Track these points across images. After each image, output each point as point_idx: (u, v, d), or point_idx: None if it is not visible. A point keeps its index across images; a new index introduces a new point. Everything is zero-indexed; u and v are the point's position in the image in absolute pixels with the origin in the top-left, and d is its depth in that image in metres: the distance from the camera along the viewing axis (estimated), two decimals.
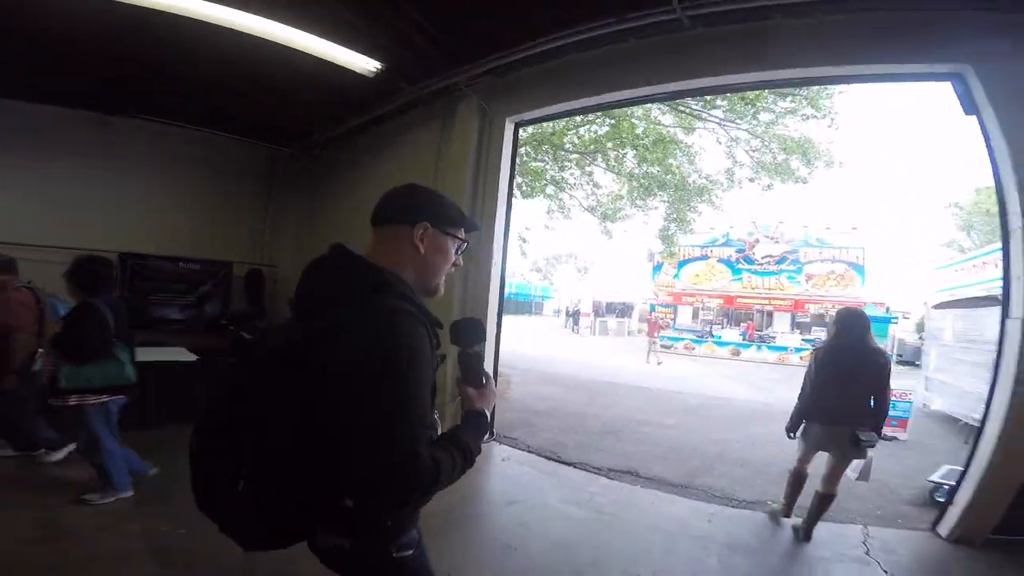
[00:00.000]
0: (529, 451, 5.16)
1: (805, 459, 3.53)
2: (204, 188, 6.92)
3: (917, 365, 19.49)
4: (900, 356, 18.07)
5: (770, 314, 21.62)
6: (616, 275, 38.35)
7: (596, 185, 14.17)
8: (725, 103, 9.97)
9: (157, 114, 6.24)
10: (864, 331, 3.27)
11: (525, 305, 40.15)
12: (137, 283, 6.19)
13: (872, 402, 3.24)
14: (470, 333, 1.32)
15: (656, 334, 16.40)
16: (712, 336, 21.10)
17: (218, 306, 6.91)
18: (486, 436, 1.31)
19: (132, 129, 6.25)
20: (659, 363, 15.17)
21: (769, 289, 21.72)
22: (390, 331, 1.06)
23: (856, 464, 3.26)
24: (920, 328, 23.02)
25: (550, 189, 13.72)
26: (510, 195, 5.65)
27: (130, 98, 5.82)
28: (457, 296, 5.27)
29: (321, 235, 6.41)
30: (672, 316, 24.28)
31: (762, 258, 22.10)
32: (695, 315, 23.90)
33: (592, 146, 10.97)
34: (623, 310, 31.62)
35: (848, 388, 3.20)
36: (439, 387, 1.22)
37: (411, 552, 1.25)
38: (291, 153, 7.34)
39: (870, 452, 3.24)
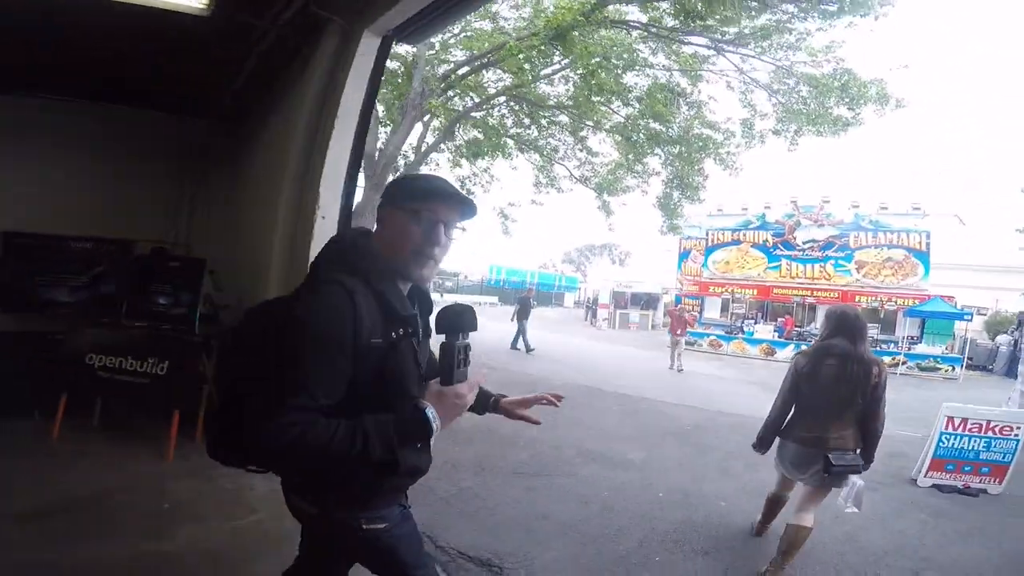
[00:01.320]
0: None
1: (783, 484, 3.19)
2: (107, 165, 6.03)
3: (989, 370, 16.83)
4: (971, 359, 15.05)
5: (812, 308, 18.76)
6: (647, 263, 35.79)
7: (591, 152, 12.04)
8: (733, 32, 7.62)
9: (42, 90, 5.46)
10: (855, 335, 2.83)
11: (545, 296, 38.04)
12: (20, 263, 5.58)
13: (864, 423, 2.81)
14: (455, 319, 1.16)
15: (682, 331, 12.90)
16: (743, 332, 18.48)
17: (113, 287, 6.02)
18: (415, 444, 1.14)
19: (16, 106, 5.43)
20: (680, 369, 12.25)
21: (812, 279, 18.85)
22: (305, 299, 1.11)
23: (847, 491, 2.81)
24: (993, 327, 19.79)
25: (534, 157, 11.69)
26: (364, 123, 3.80)
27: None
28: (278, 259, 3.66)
29: (238, 210, 5.49)
30: (699, 309, 21.71)
31: (804, 243, 19.22)
32: (724, 308, 21.22)
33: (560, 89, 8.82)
34: (648, 301, 28.94)
35: (829, 404, 2.81)
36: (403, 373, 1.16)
37: (384, 526, 1.22)
38: (208, 124, 6.35)
39: (855, 478, 2.79)
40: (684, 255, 23.13)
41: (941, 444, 4.60)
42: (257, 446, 1.03)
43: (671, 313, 14.32)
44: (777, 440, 3.03)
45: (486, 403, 1.51)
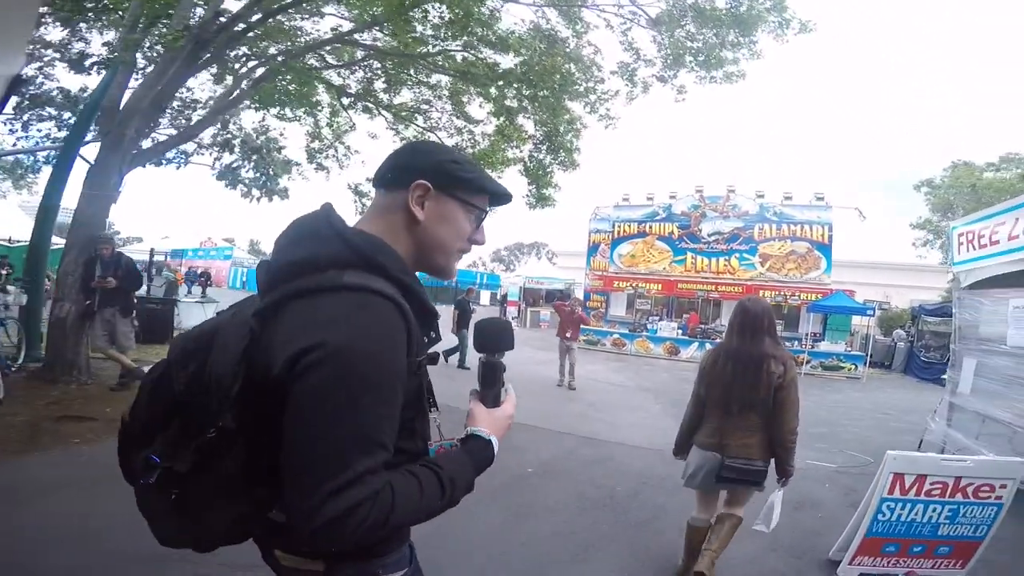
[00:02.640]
0: None
1: (701, 504, 2.77)
2: None
3: (887, 367, 16.54)
4: (872, 357, 14.31)
5: (717, 303, 17.68)
6: (575, 262, 34.48)
7: (471, 119, 9.82)
8: None
9: None
10: (754, 330, 2.52)
11: (451, 292, 35.86)
12: None
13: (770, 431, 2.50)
14: (493, 338, 1.03)
15: (573, 334, 9.33)
16: (647, 330, 17.04)
17: None
18: (485, 469, 0.94)
19: None
20: (571, 386, 9.06)
21: (717, 273, 17.77)
22: (346, 320, 0.76)
23: (766, 508, 2.56)
24: (886, 323, 19.75)
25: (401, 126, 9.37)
26: None
27: None
28: None
29: None
30: (604, 305, 20.20)
31: (709, 235, 18.13)
32: (631, 304, 19.82)
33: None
34: (561, 298, 27.32)
35: (727, 407, 2.52)
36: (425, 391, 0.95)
37: (403, 572, 0.95)
38: None
39: (778, 493, 2.56)
40: (593, 249, 21.48)
41: (880, 516, 2.68)
42: (332, 533, 0.71)
43: (559, 309, 10.57)
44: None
45: None
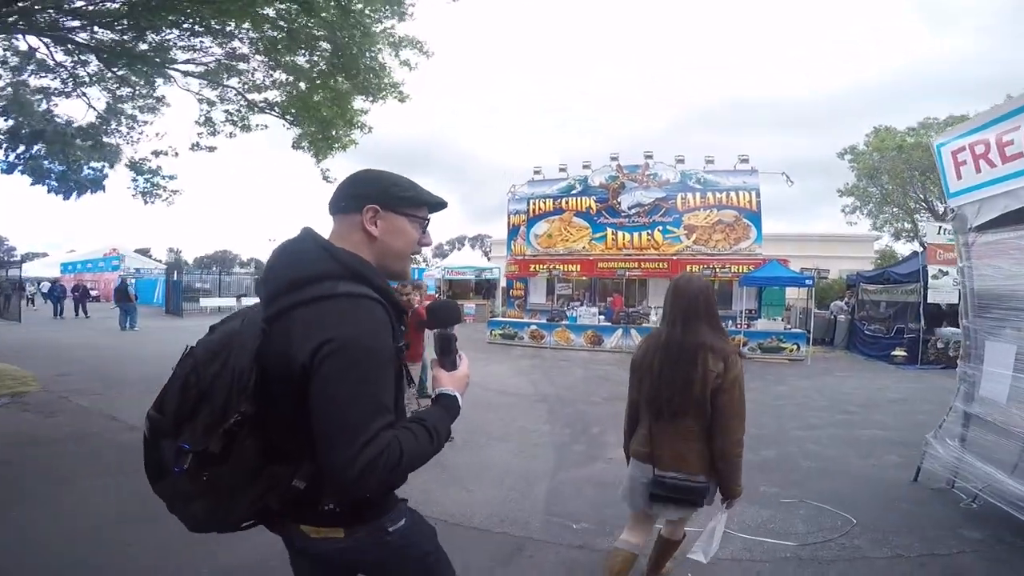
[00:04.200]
0: None
1: (631, 523, 2.33)
2: None
3: (828, 343, 14.06)
4: (808, 331, 12.63)
5: (643, 282, 15.66)
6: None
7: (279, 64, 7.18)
8: None
9: None
10: (692, 314, 2.10)
11: None
12: None
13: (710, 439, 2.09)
14: (446, 313, 1.28)
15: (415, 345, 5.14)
16: (566, 318, 14.73)
17: None
18: (455, 418, 1.21)
19: None
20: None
21: (640, 249, 15.74)
22: (350, 318, 1.02)
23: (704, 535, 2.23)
24: (821, 295, 18.34)
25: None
26: None
27: None
28: None
29: None
30: (524, 293, 17.83)
31: (629, 208, 16.07)
32: (551, 290, 17.52)
33: None
34: (488, 290, 24.61)
35: (657, 409, 2.13)
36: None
37: (404, 522, 1.20)
38: None
39: (721, 517, 2.20)
40: (513, 232, 18.96)
41: None
42: (366, 479, 0.96)
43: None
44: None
45: None
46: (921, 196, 21.12)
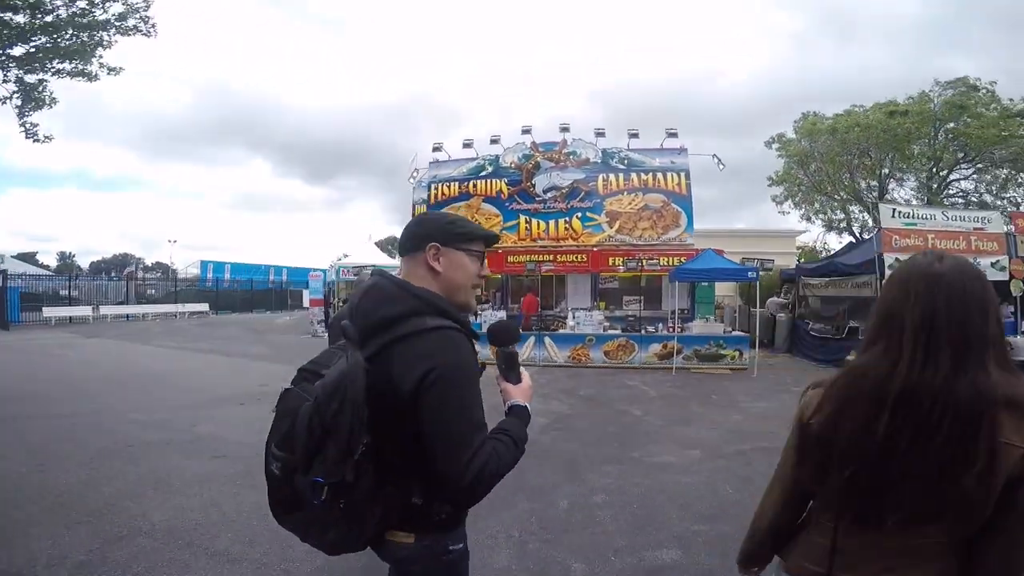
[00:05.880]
0: None
1: None
2: None
3: (767, 345, 11.92)
4: (745, 333, 10.74)
5: (560, 279, 13.29)
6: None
7: None
8: None
9: None
10: (966, 337, 1.02)
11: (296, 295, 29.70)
12: None
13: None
14: (507, 334, 1.42)
15: None
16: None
17: None
18: (528, 424, 1.36)
19: None
20: None
21: (557, 239, 13.39)
22: (444, 349, 1.17)
23: None
24: (746, 291, 16.71)
25: None
26: None
27: None
28: None
29: None
30: None
31: (545, 192, 13.70)
32: None
33: None
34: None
35: (878, 510, 1.11)
36: None
37: (461, 546, 1.32)
38: None
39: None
40: None
41: None
42: (476, 486, 1.14)
43: None
44: None
45: None
46: (850, 184, 20.32)
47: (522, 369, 1.40)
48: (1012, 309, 9.46)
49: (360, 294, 1.29)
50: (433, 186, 14.90)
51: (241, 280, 35.09)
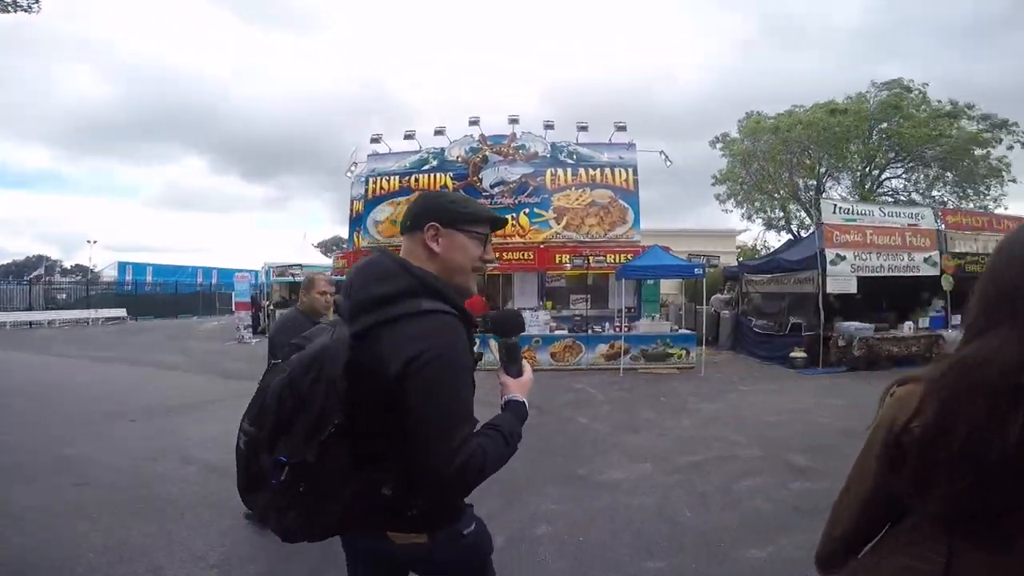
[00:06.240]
0: None
1: None
2: None
3: (712, 342, 11.74)
4: (692, 331, 10.61)
5: (508, 277, 12.80)
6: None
7: None
8: None
9: None
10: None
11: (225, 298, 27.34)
12: None
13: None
14: (510, 324, 1.37)
15: None
16: None
17: None
18: (524, 421, 1.29)
19: None
20: None
21: (505, 236, 12.86)
22: (435, 334, 1.10)
23: None
24: (690, 288, 16.82)
25: None
26: None
27: None
28: None
29: None
30: None
31: (492, 187, 13.15)
32: None
33: None
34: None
35: (1006, 528, 0.86)
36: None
37: (474, 526, 1.29)
38: None
39: None
40: (357, 221, 15.23)
41: None
42: (459, 480, 1.06)
43: None
44: None
45: None
46: (789, 182, 20.90)
47: (524, 363, 1.34)
48: (943, 304, 9.73)
49: (355, 270, 1.24)
50: (371, 180, 14.05)
51: (164, 283, 32.55)
